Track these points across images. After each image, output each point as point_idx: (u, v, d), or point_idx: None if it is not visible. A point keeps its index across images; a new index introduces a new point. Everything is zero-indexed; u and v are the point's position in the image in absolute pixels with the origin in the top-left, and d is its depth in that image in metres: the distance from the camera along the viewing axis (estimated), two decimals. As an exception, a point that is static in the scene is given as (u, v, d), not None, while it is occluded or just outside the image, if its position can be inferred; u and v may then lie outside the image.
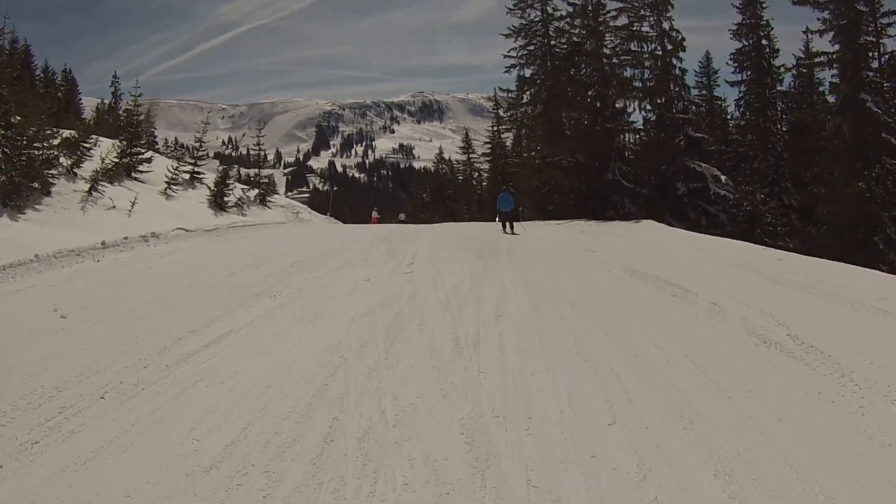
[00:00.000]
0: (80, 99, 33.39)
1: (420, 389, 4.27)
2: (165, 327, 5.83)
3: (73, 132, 15.35)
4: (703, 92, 27.76)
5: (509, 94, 26.83)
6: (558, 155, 22.71)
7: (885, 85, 20.19)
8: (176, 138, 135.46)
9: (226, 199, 18.21)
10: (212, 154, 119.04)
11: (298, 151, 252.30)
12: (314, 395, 4.18)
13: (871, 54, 20.12)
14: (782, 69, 25.74)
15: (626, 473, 3.20)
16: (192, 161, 19.58)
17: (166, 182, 16.78)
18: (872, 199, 18.48)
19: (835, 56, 20.43)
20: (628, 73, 23.68)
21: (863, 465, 3.27)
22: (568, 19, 23.92)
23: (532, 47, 24.50)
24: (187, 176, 18.62)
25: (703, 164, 22.55)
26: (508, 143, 36.92)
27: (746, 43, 25.57)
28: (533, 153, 26.85)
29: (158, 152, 24.30)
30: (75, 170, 13.66)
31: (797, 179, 23.18)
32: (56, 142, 13.62)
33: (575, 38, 23.70)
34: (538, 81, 24.62)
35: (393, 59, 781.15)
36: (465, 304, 6.61)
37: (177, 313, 6.37)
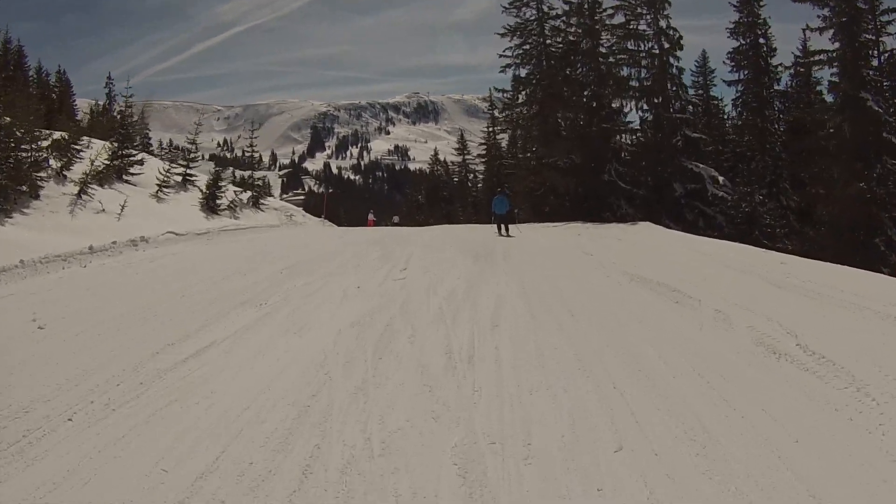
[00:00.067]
0: (75, 100, 33.14)
1: (409, 411, 3.95)
2: (144, 340, 5.55)
3: (64, 134, 15.12)
4: (700, 92, 27.65)
5: (505, 95, 26.67)
6: (554, 156, 22.48)
7: (885, 84, 20.03)
8: (171, 140, 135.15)
9: (218, 201, 17.99)
10: (207, 156, 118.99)
11: (294, 153, 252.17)
12: (295, 418, 3.86)
13: (870, 52, 19.96)
14: (780, 68, 25.63)
15: (637, 510, 2.90)
16: (185, 163, 19.32)
17: (158, 184, 16.54)
18: (873, 199, 18.27)
19: (835, 54, 20.26)
20: (625, 72, 23.54)
21: (890, 492, 3.00)
22: (564, 18, 23.73)
23: (527, 46, 24.29)
24: (179, 178, 18.36)
25: (701, 165, 22.34)
26: (504, 143, 36.72)
27: (744, 42, 25.49)
28: (528, 154, 26.62)
29: (153, 154, 24.04)
30: (65, 172, 13.49)
31: (795, 180, 22.99)
32: (45, 144, 13.41)
33: (571, 37, 23.48)
34: (534, 81, 24.40)
35: (388, 59, 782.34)
36: (459, 313, 6.31)
37: (158, 324, 6.10)
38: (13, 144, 11.62)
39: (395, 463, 3.32)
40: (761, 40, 25.37)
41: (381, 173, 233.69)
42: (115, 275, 8.65)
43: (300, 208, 28.04)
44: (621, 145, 24.06)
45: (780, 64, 25.72)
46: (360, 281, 8.14)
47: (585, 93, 23.41)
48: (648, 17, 22.87)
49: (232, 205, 18.55)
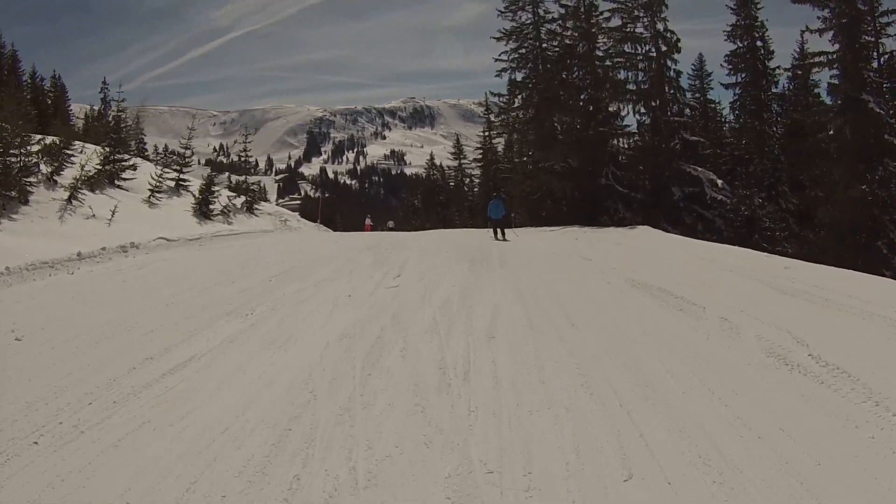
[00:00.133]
0: (70, 105, 32.90)
1: (399, 436, 3.62)
2: (123, 353, 5.25)
3: (55, 138, 14.85)
4: (697, 95, 27.51)
5: (500, 99, 26.52)
6: (550, 160, 22.28)
7: (885, 85, 19.86)
8: (166, 145, 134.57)
9: (211, 206, 17.71)
10: (203, 161, 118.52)
11: (290, 158, 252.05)
12: (274, 443, 3.53)
13: (870, 54, 19.79)
14: (778, 71, 25.47)
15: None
16: (178, 168, 19.02)
17: (150, 189, 16.25)
18: (875, 202, 18.05)
19: (835, 56, 20.09)
20: (622, 75, 23.37)
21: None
22: (560, 21, 23.58)
23: (523, 50, 24.13)
24: (172, 183, 18.06)
25: (699, 169, 22.14)
26: (500, 148, 36.55)
27: (741, 44, 25.35)
28: (525, 158, 26.47)
29: (147, 159, 23.74)
30: (55, 177, 13.23)
31: (794, 183, 22.79)
32: (35, 148, 13.13)
33: (567, 41, 23.33)
34: (530, 85, 24.23)
35: (384, 64, 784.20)
36: (454, 323, 6.00)
37: (139, 335, 5.80)
38: (2, 149, 11.36)
39: (381, 497, 3.01)
40: (759, 43, 25.23)
41: (377, 178, 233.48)
42: (102, 282, 8.38)
43: (295, 213, 27.76)
44: (618, 149, 23.88)
45: (778, 66, 25.64)
46: (352, 289, 7.83)
47: (582, 96, 23.24)
48: (645, 20, 22.70)
49: (225, 210, 18.24)
